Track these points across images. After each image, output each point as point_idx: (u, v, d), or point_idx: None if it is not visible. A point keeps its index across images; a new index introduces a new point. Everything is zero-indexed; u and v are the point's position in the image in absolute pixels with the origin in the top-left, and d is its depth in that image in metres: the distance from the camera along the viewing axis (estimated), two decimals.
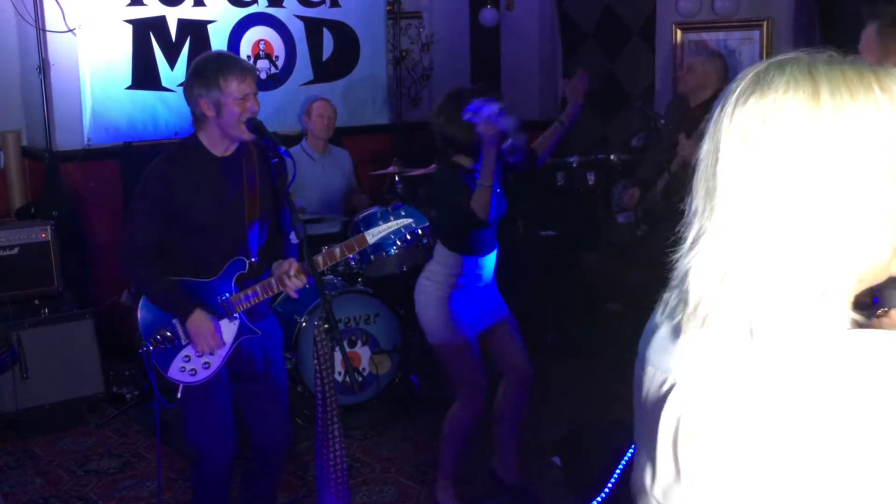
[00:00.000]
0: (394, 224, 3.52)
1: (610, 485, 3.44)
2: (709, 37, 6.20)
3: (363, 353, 5.20)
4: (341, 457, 3.29)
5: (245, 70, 3.30)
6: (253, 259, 3.43)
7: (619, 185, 6.22)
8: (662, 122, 5.23)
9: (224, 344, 3.38)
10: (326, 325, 3.20)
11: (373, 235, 3.45)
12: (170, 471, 4.50)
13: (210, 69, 3.28)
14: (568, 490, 4.15)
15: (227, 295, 3.38)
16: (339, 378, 4.63)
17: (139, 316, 3.43)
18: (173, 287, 3.34)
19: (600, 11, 7.28)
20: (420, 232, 3.55)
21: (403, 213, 3.47)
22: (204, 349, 3.33)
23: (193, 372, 3.37)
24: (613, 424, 4.12)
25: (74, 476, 4.57)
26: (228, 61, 3.33)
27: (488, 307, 4.02)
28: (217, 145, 3.38)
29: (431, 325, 3.95)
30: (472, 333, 3.95)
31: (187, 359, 3.37)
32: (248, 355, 3.49)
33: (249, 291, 3.39)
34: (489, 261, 3.96)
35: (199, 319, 3.30)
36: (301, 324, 4.96)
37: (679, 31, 6.33)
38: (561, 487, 4.24)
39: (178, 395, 3.39)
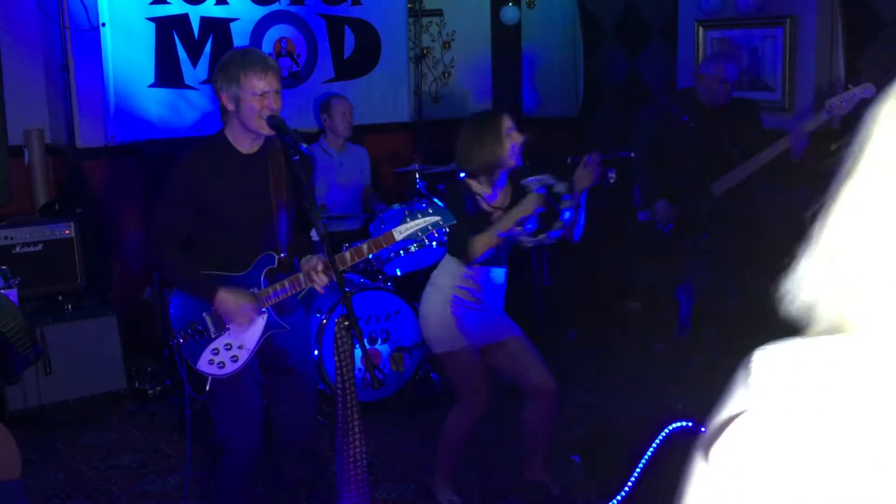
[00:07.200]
0: (422, 221, 3.40)
1: (630, 483, 3.44)
2: (731, 34, 6.16)
3: (383, 350, 5.21)
4: (361, 453, 3.30)
5: (267, 67, 3.32)
6: (282, 254, 3.45)
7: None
8: (685, 119, 5.18)
9: (254, 331, 3.40)
10: (347, 322, 3.21)
11: (400, 233, 3.40)
12: (192, 466, 4.51)
13: (233, 64, 3.32)
14: (587, 488, 4.14)
15: (256, 290, 3.41)
16: (360, 375, 4.64)
17: (170, 310, 3.46)
18: (198, 272, 3.37)
19: (622, 8, 7.25)
20: (447, 230, 3.50)
21: (431, 211, 3.40)
22: (241, 323, 3.35)
23: (222, 365, 3.40)
24: (633, 423, 4.11)
25: (97, 471, 4.61)
26: (251, 57, 3.35)
27: (495, 324, 3.96)
28: (241, 141, 3.41)
29: (434, 333, 3.93)
30: (475, 342, 3.90)
31: (216, 352, 3.40)
32: (279, 348, 3.52)
33: (278, 286, 3.41)
34: (495, 276, 3.91)
35: (224, 297, 3.33)
36: (322, 321, 4.97)
37: (701, 29, 6.29)
38: (580, 486, 4.22)
39: (207, 388, 3.41)
